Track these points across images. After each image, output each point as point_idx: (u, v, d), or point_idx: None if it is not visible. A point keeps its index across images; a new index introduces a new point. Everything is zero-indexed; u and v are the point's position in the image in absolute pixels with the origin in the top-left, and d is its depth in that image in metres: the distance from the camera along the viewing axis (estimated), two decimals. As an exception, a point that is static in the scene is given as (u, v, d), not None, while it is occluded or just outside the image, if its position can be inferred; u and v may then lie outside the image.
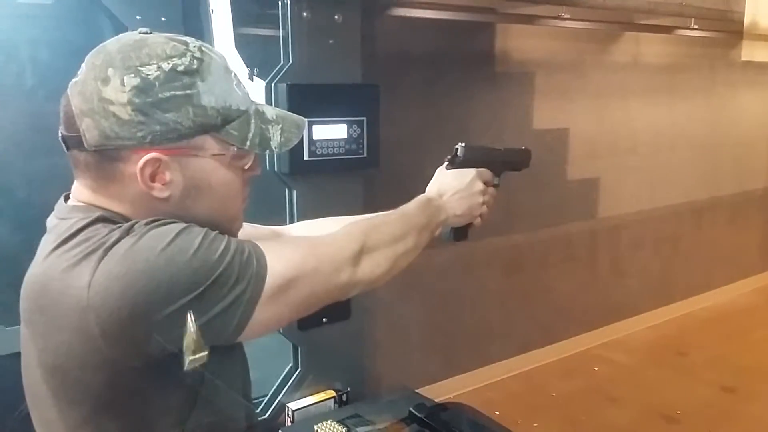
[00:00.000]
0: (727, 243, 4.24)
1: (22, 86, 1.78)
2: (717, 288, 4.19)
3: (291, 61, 1.96)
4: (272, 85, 1.95)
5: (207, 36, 1.93)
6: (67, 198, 0.88)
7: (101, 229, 0.79)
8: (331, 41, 2.02)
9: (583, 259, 3.46)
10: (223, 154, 0.85)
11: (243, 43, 1.94)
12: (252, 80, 1.96)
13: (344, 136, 2.04)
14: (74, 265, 0.76)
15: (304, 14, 1.96)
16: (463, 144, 1.17)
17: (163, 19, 1.83)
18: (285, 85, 1.94)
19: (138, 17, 1.77)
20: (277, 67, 1.97)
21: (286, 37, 1.96)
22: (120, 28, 1.75)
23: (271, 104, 1.94)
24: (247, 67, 1.94)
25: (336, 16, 2.02)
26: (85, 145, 0.80)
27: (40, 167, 1.74)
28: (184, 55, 0.81)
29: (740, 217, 4.34)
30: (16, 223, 1.76)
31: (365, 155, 2.10)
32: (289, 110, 0.89)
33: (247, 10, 2.03)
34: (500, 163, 1.23)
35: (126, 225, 0.79)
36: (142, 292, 0.73)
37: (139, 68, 0.79)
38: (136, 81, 0.78)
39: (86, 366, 0.77)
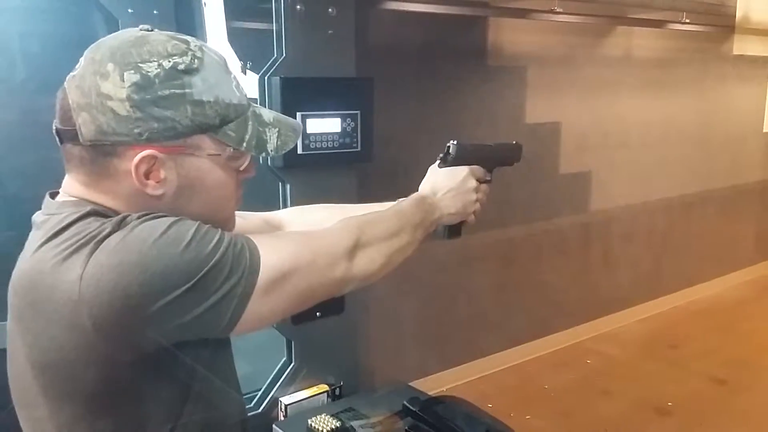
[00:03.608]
0: (718, 236, 4.27)
1: (13, 79, 1.76)
2: (708, 281, 4.22)
3: (284, 55, 1.95)
4: (265, 78, 1.94)
5: (199, 29, 1.92)
6: (53, 195, 0.87)
7: (92, 222, 0.78)
8: (324, 34, 2.02)
9: (575, 253, 3.47)
10: (219, 155, 0.84)
11: (236, 37, 1.93)
12: (245, 74, 1.95)
13: (338, 129, 2.04)
14: (65, 259, 0.75)
15: (298, 7, 1.95)
16: (455, 142, 1.16)
17: (155, 12, 1.81)
18: (278, 78, 1.93)
19: (130, 10, 1.75)
20: (271, 61, 1.96)
21: (280, 30, 1.95)
22: (112, 22, 1.74)
23: (265, 98, 1.94)
24: (240, 60, 1.93)
25: (330, 9, 2.01)
26: (81, 140, 0.80)
27: (28, 161, 1.73)
28: (185, 53, 0.81)
29: (731, 211, 4.37)
30: (3, 218, 1.75)
31: (359, 149, 2.10)
32: (282, 104, 0.88)
33: (240, 3, 2.02)
34: (492, 159, 1.23)
35: (117, 218, 0.78)
36: (135, 283, 0.73)
37: (140, 65, 0.78)
38: (135, 77, 0.78)
39: (78, 361, 0.76)
